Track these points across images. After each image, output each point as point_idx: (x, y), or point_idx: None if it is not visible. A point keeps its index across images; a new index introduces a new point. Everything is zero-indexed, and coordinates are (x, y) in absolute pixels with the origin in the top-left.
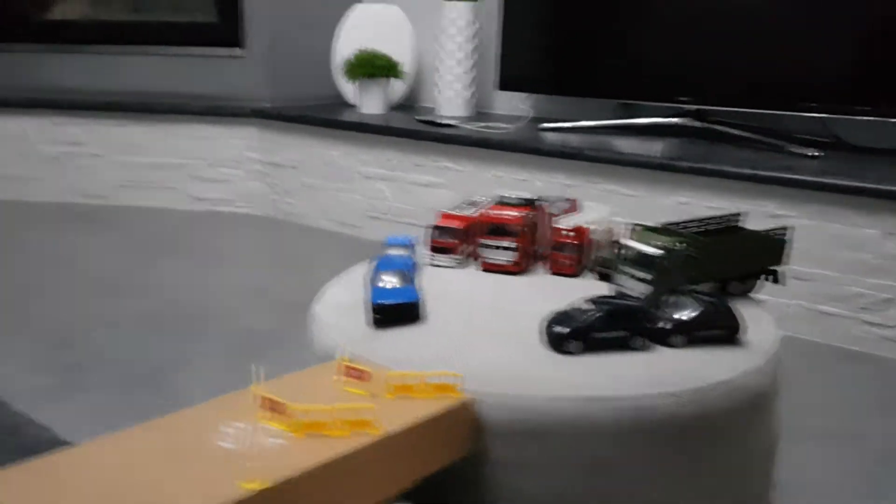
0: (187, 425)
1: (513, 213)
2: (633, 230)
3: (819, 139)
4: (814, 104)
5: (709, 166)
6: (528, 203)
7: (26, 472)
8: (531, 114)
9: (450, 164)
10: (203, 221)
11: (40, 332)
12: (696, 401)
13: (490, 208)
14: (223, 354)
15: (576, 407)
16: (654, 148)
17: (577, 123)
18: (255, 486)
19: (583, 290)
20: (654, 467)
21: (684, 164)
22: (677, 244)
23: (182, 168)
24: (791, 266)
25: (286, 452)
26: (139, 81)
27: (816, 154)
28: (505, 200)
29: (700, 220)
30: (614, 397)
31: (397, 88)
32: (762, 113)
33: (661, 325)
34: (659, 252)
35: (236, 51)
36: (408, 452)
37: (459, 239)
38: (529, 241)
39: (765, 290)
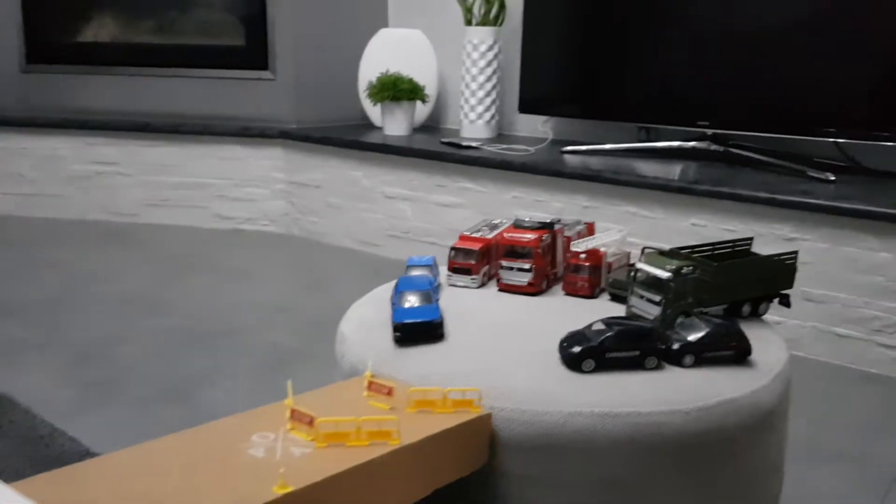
0: (219, 435)
1: (528, 235)
2: (645, 254)
3: (836, 163)
4: (832, 129)
5: (725, 189)
6: (545, 226)
7: (57, 479)
8: (552, 136)
9: (471, 185)
10: (228, 239)
11: (69, 346)
12: (704, 418)
13: (506, 231)
14: (249, 370)
15: (590, 422)
16: (673, 171)
17: (597, 147)
18: (281, 489)
19: (597, 311)
20: (663, 482)
21: (701, 187)
22: (686, 268)
23: (209, 187)
24: (806, 288)
25: (311, 460)
26: (169, 103)
27: (832, 178)
28: (521, 224)
29: (712, 245)
30: (627, 413)
31: (420, 111)
32: (780, 137)
33: (672, 345)
34: (668, 275)
35: (264, 73)
36: (425, 462)
37: (477, 260)
38: (545, 263)
39: (779, 313)
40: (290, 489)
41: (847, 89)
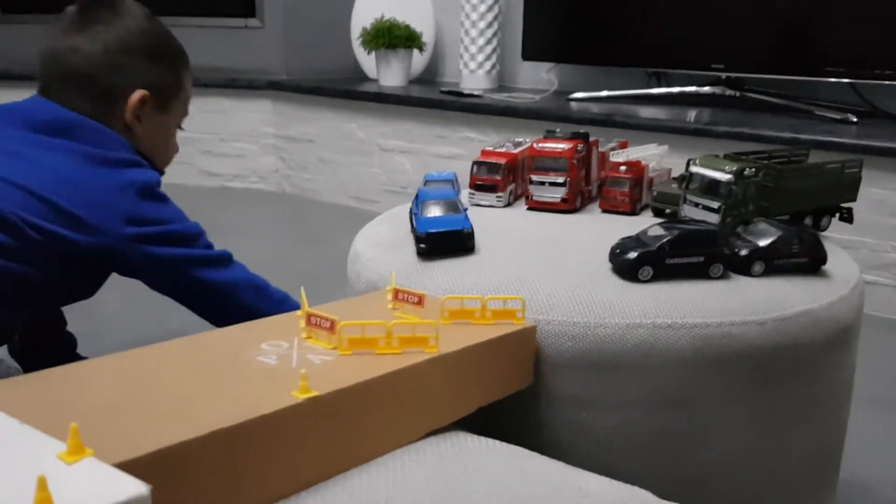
0: (220, 343)
1: (562, 145)
2: (701, 157)
3: (854, 107)
4: (848, 69)
5: (746, 130)
6: (579, 136)
7: (44, 379)
8: (556, 85)
9: (473, 135)
10: (216, 197)
11: None
12: (781, 329)
13: (536, 142)
14: None
15: (650, 335)
16: (689, 115)
17: (605, 93)
18: (303, 394)
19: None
20: (730, 402)
21: (721, 128)
22: (749, 170)
23: (194, 142)
24: (832, 234)
25: (334, 367)
26: None
27: (855, 120)
28: (553, 133)
29: (767, 152)
30: (693, 324)
31: (416, 62)
32: (798, 80)
33: (740, 251)
34: (729, 177)
35: (251, 21)
36: (466, 377)
37: (503, 176)
38: (580, 177)
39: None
40: (313, 394)
41: (863, 31)
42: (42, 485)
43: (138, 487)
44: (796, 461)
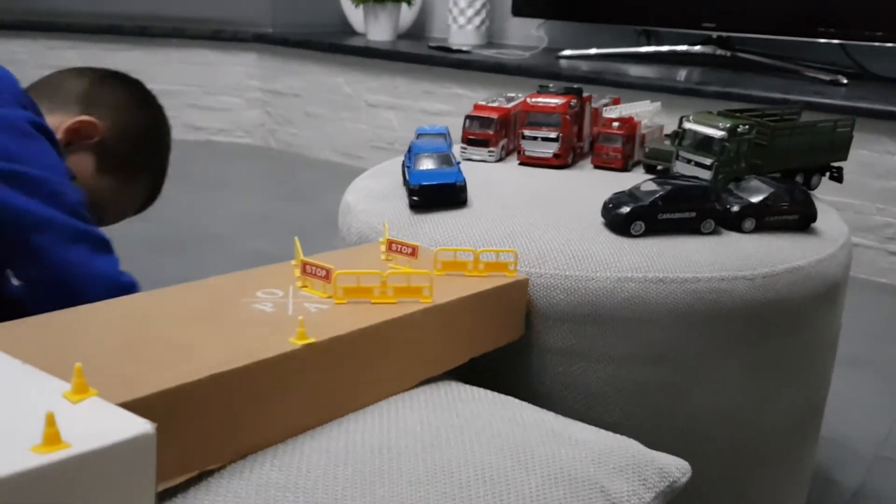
0: (213, 291)
1: (555, 100)
2: (694, 113)
3: (844, 69)
4: (839, 31)
5: (736, 90)
6: (572, 91)
7: (43, 323)
8: (546, 42)
9: (461, 91)
10: (201, 151)
11: None
12: (770, 285)
13: (530, 96)
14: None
15: (642, 289)
16: (679, 74)
17: (596, 51)
18: (300, 340)
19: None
20: (719, 356)
21: (711, 88)
22: (742, 126)
23: (178, 95)
24: (819, 195)
25: (330, 315)
26: (135, 4)
27: (845, 82)
28: (547, 88)
29: (759, 110)
30: (685, 279)
31: (405, 16)
32: (786, 41)
33: (731, 207)
34: (723, 133)
35: None
36: (459, 327)
37: (496, 130)
38: (573, 133)
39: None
40: (310, 340)
41: None
42: (50, 420)
43: (144, 425)
44: (783, 414)
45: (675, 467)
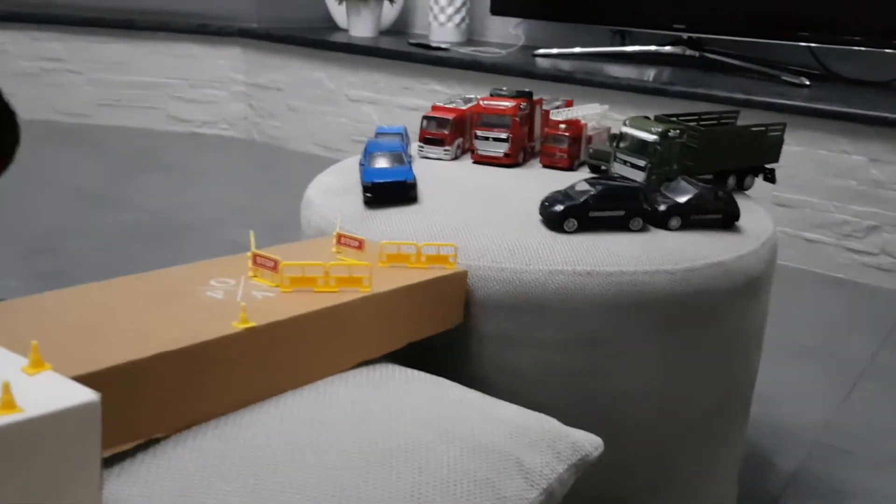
0: (171, 279)
1: (506, 103)
2: (630, 118)
3: (810, 70)
4: (807, 33)
5: (701, 90)
6: (523, 95)
7: (7, 308)
8: (523, 40)
9: (439, 87)
10: (184, 142)
11: (20, 240)
12: (690, 279)
13: (482, 99)
14: None
15: (571, 281)
16: (648, 74)
17: (570, 50)
18: (242, 324)
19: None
20: (644, 343)
21: (676, 88)
22: (673, 131)
23: (163, 88)
24: (777, 193)
25: (274, 303)
26: None
27: (807, 83)
28: (499, 92)
29: (698, 115)
30: (609, 272)
31: (387, 13)
32: (755, 43)
33: (659, 206)
34: (655, 138)
35: None
36: (397, 314)
37: (451, 130)
38: (523, 134)
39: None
40: (251, 324)
41: None
42: (6, 389)
43: (90, 395)
44: (705, 399)
45: (588, 442)
